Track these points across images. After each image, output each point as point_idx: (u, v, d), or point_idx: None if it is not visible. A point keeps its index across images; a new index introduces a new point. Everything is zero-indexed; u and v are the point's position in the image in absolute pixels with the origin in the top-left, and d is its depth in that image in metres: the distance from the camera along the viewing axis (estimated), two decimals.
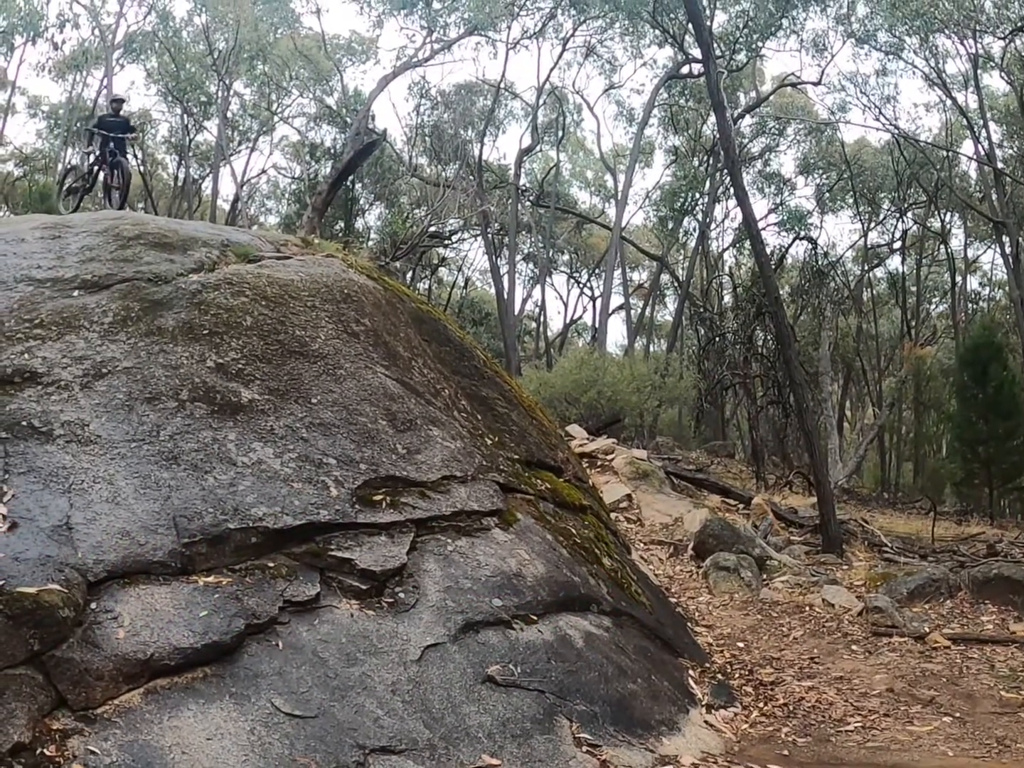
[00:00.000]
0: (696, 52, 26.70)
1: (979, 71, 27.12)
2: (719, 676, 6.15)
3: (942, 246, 35.05)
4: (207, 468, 4.64)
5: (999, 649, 6.95)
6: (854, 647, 7.16)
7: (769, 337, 23.77)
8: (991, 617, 7.90)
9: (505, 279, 34.91)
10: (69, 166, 22.86)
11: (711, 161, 34.24)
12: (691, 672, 5.96)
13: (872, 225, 35.89)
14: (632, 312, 40.49)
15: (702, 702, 5.50)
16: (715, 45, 25.47)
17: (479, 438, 6.26)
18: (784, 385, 20.65)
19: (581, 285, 45.50)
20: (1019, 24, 24.84)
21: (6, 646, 3.33)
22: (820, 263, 30.33)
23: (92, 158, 13.22)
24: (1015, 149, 31.38)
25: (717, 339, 25.74)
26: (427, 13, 32.15)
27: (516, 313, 37.74)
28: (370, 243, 31.43)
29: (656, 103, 34.00)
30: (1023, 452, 18.54)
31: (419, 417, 5.80)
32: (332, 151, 34.89)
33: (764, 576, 9.45)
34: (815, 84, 31.88)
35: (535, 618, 4.90)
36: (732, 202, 33.29)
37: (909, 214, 34.62)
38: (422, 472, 5.37)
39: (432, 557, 4.89)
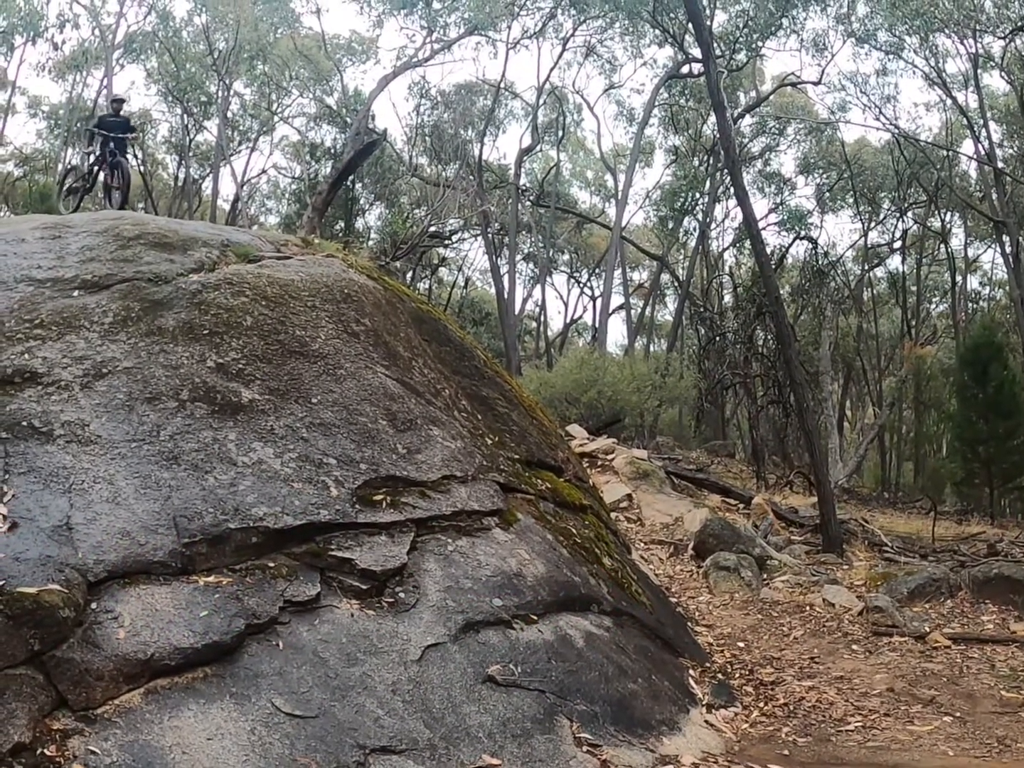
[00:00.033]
0: (696, 52, 26.70)
1: (979, 71, 27.12)
2: (719, 676, 6.15)
3: (942, 246, 35.05)
4: (207, 468, 4.64)
5: (999, 649, 6.95)
6: (854, 647, 7.16)
7: (769, 337, 23.77)
8: (991, 617, 7.89)
9: (505, 279, 34.92)
10: (69, 166, 22.87)
11: (711, 161, 34.25)
12: (691, 672, 5.96)
13: (872, 225, 35.89)
14: (632, 312, 40.49)
15: (702, 702, 5.50)
16: (715, 45, 25.47)
17: (479, 438, 6.26)
18: (784, 385, 20.64)
19: (581, 285, 45.54)
20: (1019, 24, 24.85)
21: (6, 646, 3.33)
22: (820, 263, 30.32)
23: (92, 158, 13.23)
24: (1015, 149, 31.39)
25: (717, 339, 25.74)
26: (427, 13, 32.16)
27: (516, 313, 37.73)
28: (370, 243, 31.43)
29: (656, 103, 33.99)
30: (1023, 452, 18.54)
31: (419, 417, 5.80)
32: (332, 151, 34.91)
33: (764, 576, 9.45)
34: (815, 84, 31.90)
35: (535, 618, 4.90)
36: (732, 202, 33.30)
37: (909, 214, 34.62)
38: (422, 472, 5.37)
39: (432, 557, 4.89)
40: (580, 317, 47.70)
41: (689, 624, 7.43)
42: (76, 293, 5.50)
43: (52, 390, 4.75)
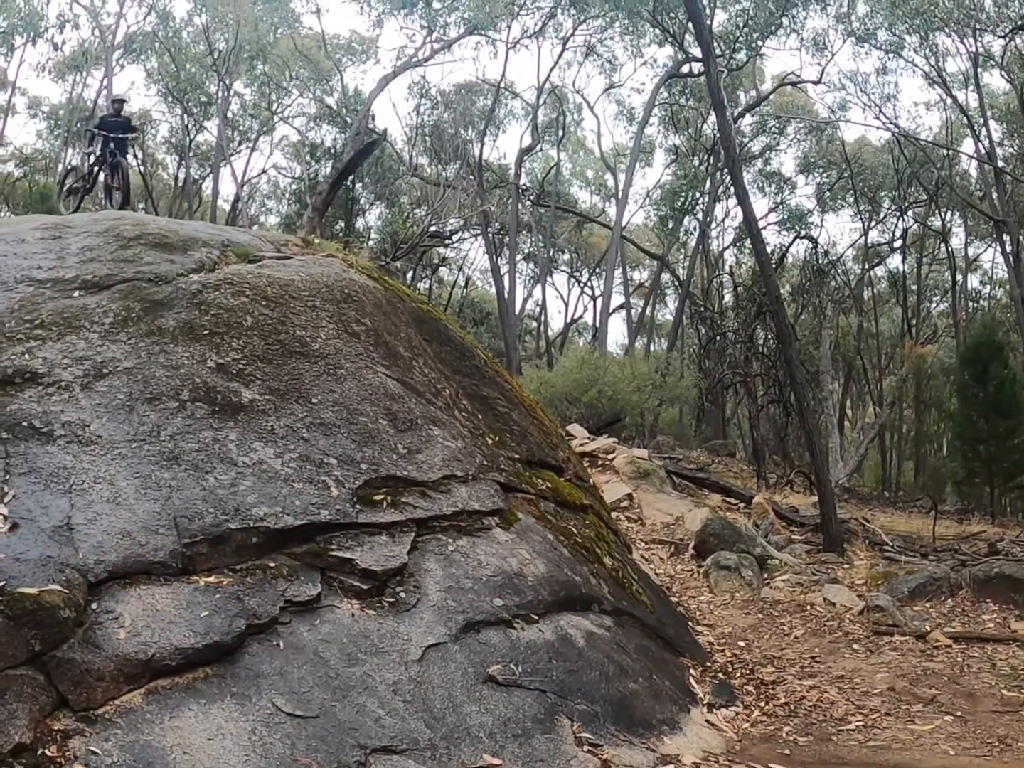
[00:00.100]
0: (696, 51, 26.72)
1: (979, 69, 27.14)
2: (720, 675, 6.15)
3: (943, 245, 35.04)
4: (208, 468, 4.64)
5: (1000, 648, 6.95)
6: (855, 646, 7.16)
7: (770, 336, 23.79)
8: (992, 616, 7.89)
9: (506, 279, 34.92)
10: (69, 167, 22.88)
11: (711, 160, 34.25)
12: (692, 671, 5.96)
13: (872, 224, 35.88)
14: (633, 311, 40.48)
15: (703, 701, 5.50)
16: (715, 44, 25.47)
17: (480, 438, 6.26)
18: (785, 384, 20.65)
19: (582, 284, 45.53)
20: (1019, 23, 24.85)
21: (7, 647, 3.33)
22: (821, 262, 30.33)
23: (92, 158, 13.24)
24: (1016, 148, 31.39)
25: (718, 338, 25.74)
26: (427, 13, 32.16)
27: (517, 313, 37.73)
28: (370, 243, 31.42)
29: (656, 102, 34.00)
30: (1023, 451, 18.54)
31: (420, 417, 5.80)
32: (332, 151, 34.91)
33: (765, 575, 9.44)
34: (815, 83, 31.91)
35: (536, 618, 4.89)
36: (732, 201, 33.30)
37: (909, 213, 34.61)
38: (423, 472, 5.37)
39: (433, 557, 4.89)
40: (580, 317, 47.75)
41: (690, 624, 7.43)
42: (76, 293, 5.50)
43: (52, 390, 4.75)
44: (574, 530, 6.20)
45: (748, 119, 34.96)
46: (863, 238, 35.82)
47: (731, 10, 30.94)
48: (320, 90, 36.73)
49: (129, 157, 13.99)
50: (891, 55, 29.16)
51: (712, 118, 28.86)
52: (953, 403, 24.41)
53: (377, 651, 4.17)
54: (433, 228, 26.88)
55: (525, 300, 44.16)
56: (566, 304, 54.31)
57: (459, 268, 43.37)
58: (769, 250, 20.18)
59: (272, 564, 4.34)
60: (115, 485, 4.33)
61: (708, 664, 6.34)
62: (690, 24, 22.06)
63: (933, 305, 39.86)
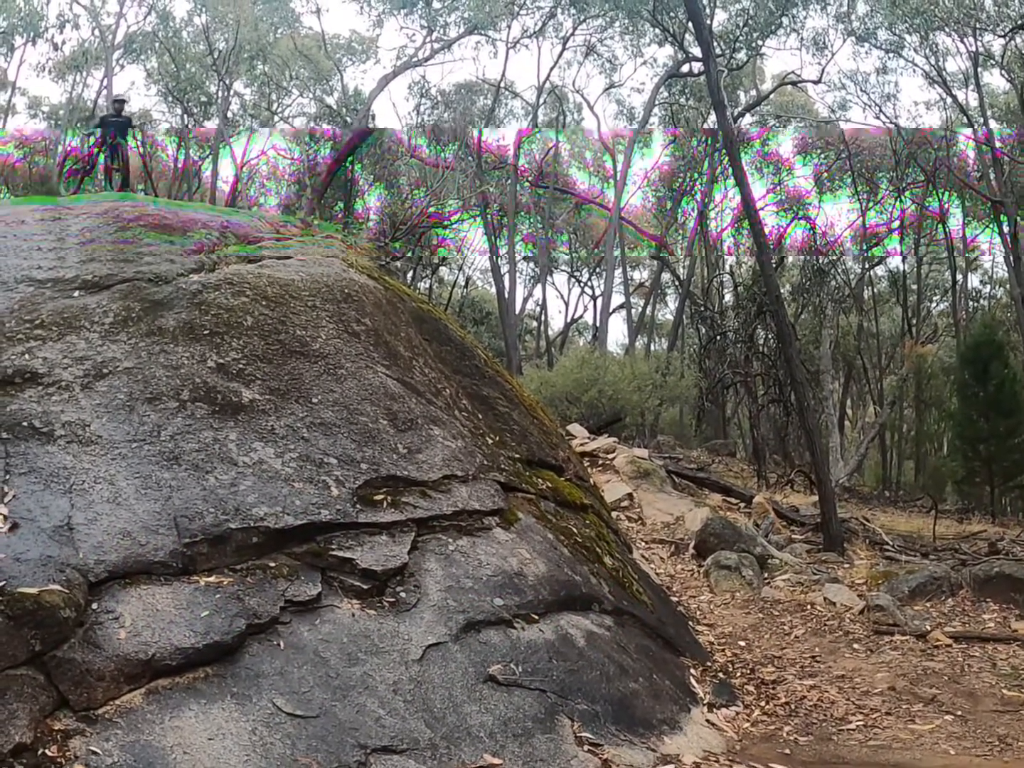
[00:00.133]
0: (696, 51, 26.71)
1: (979, 69, 27.13)
2: (721, 675, 6.15)
3: (940, 226, 34.91)
4: (208, 468, 4.64)
5: (1001, 647, 6.95)
6: (856, 645, 7.15)
7: (770, 335, 23.79)
8: (993, 615, 7.89)
9: (506, 278, 34.90)
10: (69, 149, 22.84)
11: (709, 141, 33.93)
12: (693, 671, 5.96)
13: (870, 205, 35.70)
14: (633, 311, 40.43)
15: (704, 701, 5.50)
16: (715, 43, 25.48)
17: (480, 437, 6.26)
18: (785, 383, 20.64)
19: (582, 284, 45.48)
20: (1019, 22, 24.85)
21: (7, 646, 3.33)
22: (821, 262, 30.31)
23: (92, 139, 13.23)
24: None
25: (718, 338, 25.72)
26: (427, 12, 32.14)
27: (517, 312, 37.71)
28: (369, 224, 31.30)
29: (656, 102, 33.99)
30: (1023, 450, 18.57)
31: (420, 416, 5.80)
32: (332, 143, 34.85)
33: (765, 575, 9.43)
34: (815, 82, 31.87)
35: (536, 617, 4.89)
36: (730, 181, 33.16)
37: (907, 194, 34.49)
38: (423, 471, 5.37)
39: (433, 556, 4.89)
40: (581, 316, 47.71)
41: (690, 623, 7.43)
42: (76, 293, 5.51)
43: (53, 390, 4.76)
44: (574, 530, 6.20)
45: (748, 118, 34.94)
46: (860, 218, 35.66)
47: (731, 9, 30.93)
48: (320, 90, 36.71)
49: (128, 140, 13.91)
50: (891, 54, 29.17)
51: (712, 117, 28.88)
52: (953, 402, 24.41)
53: (377, 651, 4.17)
54: (432, 209, 26.75)
55: (525, 300, 44.19)
56: (566, 304, 54.33)
57: (459, 268, 43.35)
58: (767, 231, 20.11)
59: (272, 564, 4.34)
60: (115, 485, 4.33)
61: (708, 664, 6.34)
62: (690, 24, 22.07)
63: (933, 304, 39.83)
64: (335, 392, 5.50)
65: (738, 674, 6.33)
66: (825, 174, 36.19)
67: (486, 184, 31.52)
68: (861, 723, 5.35)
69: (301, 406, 5.29)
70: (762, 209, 28.92)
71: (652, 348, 41.93)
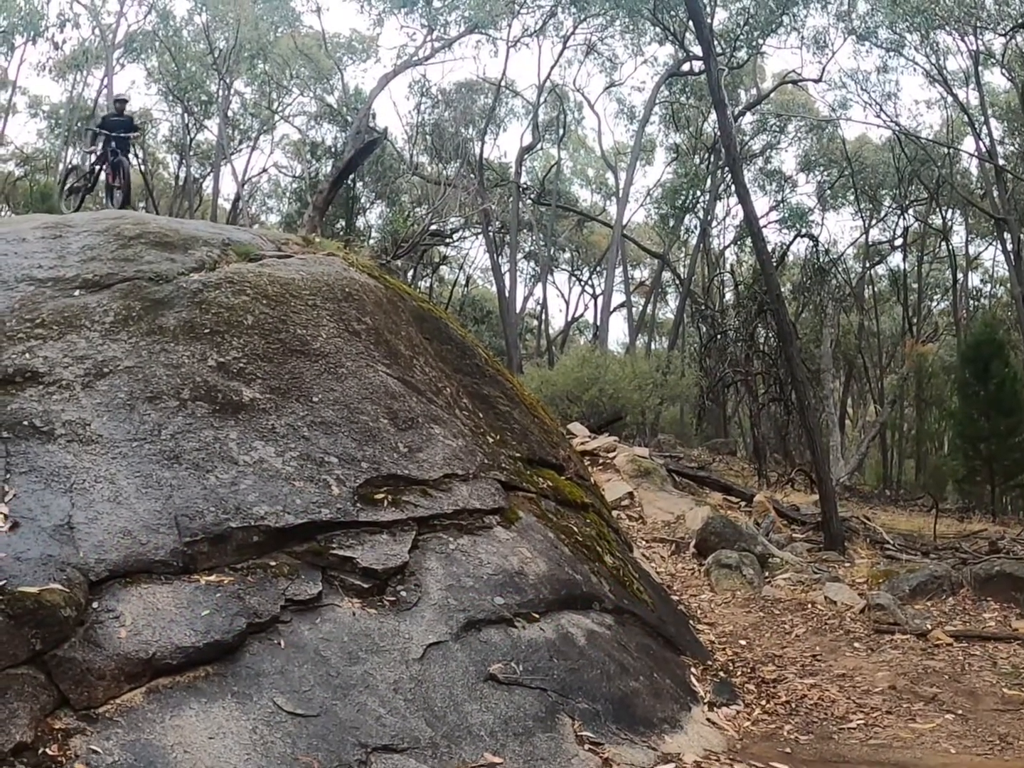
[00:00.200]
0: (697, 49, 26.73)
1: (980, 68, 27.13)
2: (721, 674, 6.15)
3: (943, 243, 35.02)
4: (209, 467, 4.64)
5: (1001, 646, 6.95)
6: (856, 644, 7.15)
7: (771, 334, 23.79)
8: (993, 614, 7.89)
9: (506, 277, 34.97)
10: (71, 166, 22.90)
11: (712, 158, 34.25)
12: (693, 670, 5.96)
13: (873, 222, 35.86)
14: (633, 310, 40.49)
15: (704, 700, 5.50)
16: (716, 42, 25.49)
17: (481, 436, 6.26)
18: (786, 382, 20.66)
19: (582, 283, 45.54)
20: (1020, 21, 24.84)
21: (8, 646, 3.33)
22: (821, 260, 30.32)
23: (93, 157, 13.26)
24: (1016, 146, 31.38)
25: (719, 337, 25.76)
26: (427, 11, 32.14)
27: (517, 311, 37.76)
28: (371, 241, 31.42)
29: (657, 101, 34.01)
30: None
31: (421, 415, 5.80)
32: (333, 150, 34.93)
33: (766, 573, 9.44)
34: (816, 81, 31.90)
35: (537, 616, 4.89)
36: (733, 199, 33.34)
37: (910, 211, 34.59)
38: (424, 470, 5.37)
39: (434, 555, 4.89)
40: (581, 315, 47.78)
41: (691, 622, 7.43)
42: (77, 292, 5.50)
43: (53, 389, 4.75)
44: (575, 528, 6.20)
45: (749, 117, 35.01)
46: (864, 236, 35.83)
47: (731, 8, 30.95)
48: (321, 89, 36.76)
49: (130, 156, 13.97)
50: (892, 53, 29.20)
51: (713, 116, 28.89)
52: (954, 401, 24.42)
53: (378, 650, 4.17)
54: (434, 227, 26.87)
55: (526, 299, 44.24)
56: (567, 302, 54.45)
57: (460, 267, 43.41)
58: (770, 248, 20.19)
59: (273, 563, 4.34)
60: (116, 484, 4.33)
61: (709, 662, 6.34)
62: (691, 22, 22.05)
63: (934, 303, 39.86)
64: (336, 391, 5.50)
65: (739, 673, 6.33)
66: (828, 191, 36.28)
67: (488, 201, 31.51)
68: (862, 722, 5.35)
69: (302, 405, 5.29)
70: (765, 227, 28.89)
71: (653, 347, 41.99)
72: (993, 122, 29.12)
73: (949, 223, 34.90)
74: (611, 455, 14.80)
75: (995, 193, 27.92)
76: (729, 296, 30.81)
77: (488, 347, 10.24)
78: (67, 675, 3.43)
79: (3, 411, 4.50)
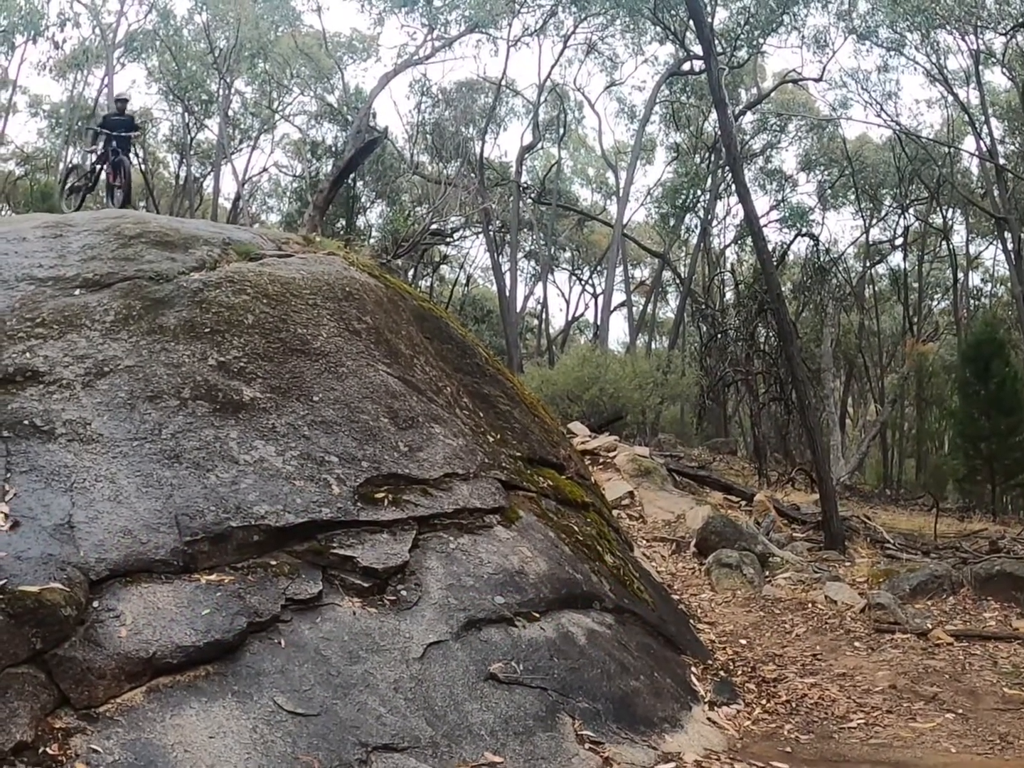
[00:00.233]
0: (697, 49, 26.72)
1: (980, 67, 27.13)
2: (722, 673, 6.15)
3: (944, 242, 35.04)
4: (209, 466, 4.63)
5: (1002, 645, 6.95)
6: (856, 643, 7.16)
7: (771, 334, 23.78)
8: (994, 614, 7.89)
9: (507, 276, 34.97)
10: (71, 165, 22.90)
11: (712, 158, 34.26)
12: (694, 669, 5.96)
13: (874, 221, 35.87)
14: (634, 309, 40.52)
15: (705, 699, 5.50)
16: (716, 42, 25.48)
17: (481, 435, 6.26)
18: (786, 382, 20.65)
19: (583, 282, 45.55)
20: (1020, 20, 24.83)
21: (8, 645, 3.33)
22: (822, 260, 30.33)
23: (94, 157, 13.26)
24: (1017, 145, 31.38)
25: (719, 336, 25.75)
26: (428, 11, 32.15)
27: (518, 310, 37.77)
28: (372, 241, 31.43)
29: (657, 100, 34.02)
30: None
31: (421, 415, 5.80)
32: (333, 149, 34.93)
33: (767, 573, 9.44)
34: (816, 80, 31.92)
35: (538, 615, 4.89)
36: (734, 199, 33.35)
37: (911, 210, 34.60)
38: (424, 469, 5.37)
39: (434, 555, 4.88)
40: (582, 315, 47.79)
41: (691, 621, 7.43)
42: (77, 292, 5.50)
43: (53, 389, 4.75)
44: (575, 528, 6.20)
45: (749, 117, 35.02)
46: (864, 236, 35.83)
47: (732, 8, 30.97)
48: (321, 88, 36.76)
49: (131, 156, 13.98)
50: (892, 52, 29.21)
51: (713, 116, 28.90)
52: (954, 400, 24.43)
53: (378, 649, 4.17)
54: (434, 226, 26.88)
55: (526, 298, 44.25)
56: (567, 302, 54.37)
57: (460, 266, 43.43)
58: (770, 248, 20.19)
59: (273, 562, 4.34)
60: (116, 483, 4.32)
61: (710, 662, 6.34)
62: (691, 22, 22.04)
63: (934, 303, 39.86)
64: (336, 390, 5.50)
65: (739, 672, 6.33)
66: (828, 191, 36.29)
67: (488, 200, 31.53)
68: (862, 721, 5.35)
69: (302, 404, 5.29)
70: (765, 227, 28.89)
71: (653, 346, 42.02)
72: (994, 121, 29.15)
73: (950, 222, 34.92)
74: (611, 454, 14.80)
75: (995, 192, 27.93)
76: (729, 295, 30.82)
77: (488, 346, 10.24)
78: (67, 674, 3.43)
79: (4, 410, 4.50)
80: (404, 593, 4.54)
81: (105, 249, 5.99)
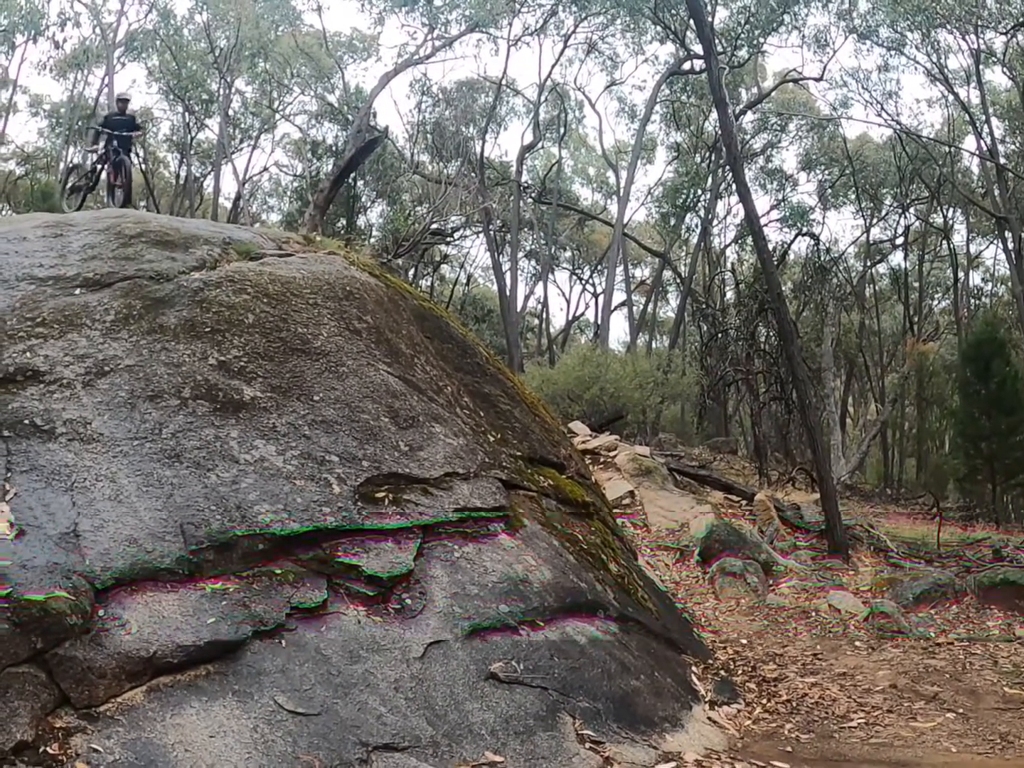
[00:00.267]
0: (698, 48, 26.72)
1: (981, 66, 27.10)
2: (722, 672, 6.15)
3: (944, 242, 35.02)
4: (209, 466, 4.63)
5: (1002, 645, 6.94)
6: (857, 643, 7.15)
7: (771, 333, 23.76)
8: (997, 622, 7.88)
9: (507, 276, 34.94)
10: (72, 165, 22.88)
11: (713, 157, 34.24)
12: (694, 668, 5.96)
13: (874, 221, 35.85)
14: (634, 309, 40.50)
15: (705, 698, 5.50)
16: (717, 41, 25.45)
17: (482, 435, 6.25)
18: (787, 381, 20.63)
19: (583, 282, 45.53)
20: (1020, 19, 24.81)
21: (9, 644, 3.32)
22: (822, 259, 30.31)
23: (95, 156, 13.25)
24: (1017, 144, 31.35)
25: (719, 335, 25.72)
26: (428, 10, 32.14)
27: (518, 310, 37.75)
28: (372, 240, 31.42)
29: (658, 99, 33.99)
30: None
31: (421, 414, 5.79)
32: (334, 148, 34.91)
33: (770, 581, 9.42)
34: (817, 80, 31.90)
35: (542, 624, 4.86)
36: (734, 198, 33.34)
37: (911, 210, 34.58)
38: (425, 469, 5.36)
39: (439, 563, 4.86)
40: (582, 314, 47.76)
41: (695, 630, 7.41)
42: (78, 291, 5.50)
43: (54, 388, 4.75)
44: (580, 536, 6.18)
45: (750, 116, 35.00)
46: (865, 235, 35.81)
47: (732, 7, 30.94)
48: (321, 88, 36.74)
49: (132, 155, 13.96)
50: (893, 52, 29.19)
51: (714, 115, 28.89)
52: (955, 400, 24.40)
53: (379, 648, 4.17)
54: (435, 226, 26.86)
55: (527, 297, 44.23)
56: (568, 301, 54.33)
57: (461, 265, 43.40)
58: (771, 247, 20.17)
59: (279, 570, 4.31)
60: (117, 483, 4.32)
61: (710, 661, 6.34)
62: (691, 21, 22.04)
63: (935, 302, 39.82)
64: (336, 390, 5.49)
65: (739, 672, 6.33)
66: (829, 190, 36.28)
67: (489, 200, 31.51)
68: (863, 721, 5.35)
69: (302, 404, 5.28)
70: (766, 226, 28.88)
71: (654, 346, 42.01)
72: (994, 121, 29.12)
73: (950, 222, 34.90)
74: (612, 454, 14.79)
75: (996, 192, 27.91)
76: (730, 295, 30.82)
77: (489, 346, 10.24)
78: (68, 674, 3.42)
79: (4, 410, 4.50)
80: (409, 602, 4.52)
81: (105, 249, 5.98)
